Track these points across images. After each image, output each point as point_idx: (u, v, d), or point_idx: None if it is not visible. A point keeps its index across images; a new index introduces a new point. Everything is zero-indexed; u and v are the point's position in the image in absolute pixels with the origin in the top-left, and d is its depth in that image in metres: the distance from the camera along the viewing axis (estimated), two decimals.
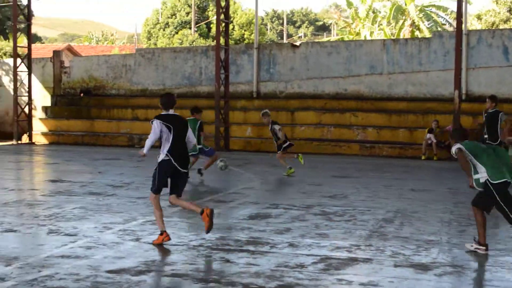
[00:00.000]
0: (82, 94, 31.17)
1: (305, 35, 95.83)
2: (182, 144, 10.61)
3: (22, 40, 39.68)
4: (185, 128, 10.79)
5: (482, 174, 9.82)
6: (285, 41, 78.42)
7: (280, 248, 9.94)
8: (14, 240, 10.45)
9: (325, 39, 67.40)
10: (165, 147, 10.40)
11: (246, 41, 60.72)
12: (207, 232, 10.23)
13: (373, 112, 26.88)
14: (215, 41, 58.09)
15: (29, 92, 29.75)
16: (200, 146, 17.51)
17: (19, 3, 30.11)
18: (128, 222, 11.73)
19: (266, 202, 14.18)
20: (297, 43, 30.84)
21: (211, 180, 18.54)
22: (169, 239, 10.13)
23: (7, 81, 31.93)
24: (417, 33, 44.87)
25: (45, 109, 30.83)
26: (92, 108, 30.33)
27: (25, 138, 29.52)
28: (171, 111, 10.88)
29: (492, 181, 9.66)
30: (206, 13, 68.91)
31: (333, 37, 65.18)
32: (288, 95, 28.68)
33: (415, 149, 25.06)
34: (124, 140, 27.95)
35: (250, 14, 66.66)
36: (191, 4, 67.18)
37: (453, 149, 9.83)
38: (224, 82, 27.23)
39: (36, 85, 30.84)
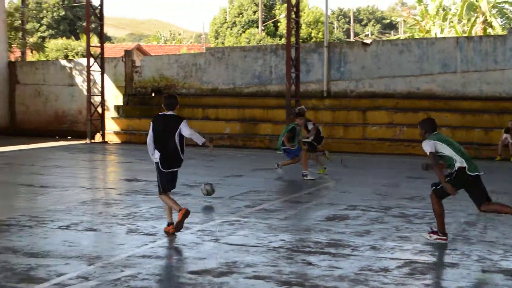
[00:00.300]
0: (153, 93, 31.31)
1: (371, 34, 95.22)
2: (167, 145, 10.83)
3: (93, 40, 40.01)
4: (170, 129, 10.84)
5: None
6: (351, 39, 78.04)
7: (362, 251, 9.71)
8: (94, 239, 10.48)
9: (392, 37, 66.66)
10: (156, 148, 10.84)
11: (313, 39, 60.45)
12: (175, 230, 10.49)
13: (447, 111, 26.38)
14: (283, 39, 58.64)
15: (102, 91, 30.01)
16: (284, 148, 17.82)
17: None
18: (206, 222, 11.68)
19: (342, 203, 13.95)
20: (368, 41, 30.47)
21: (284, 180, 18.41)
22: (174, 231, 10.47)
23: (80, 81, 32.24)
24: (489, 30, 44.00)
25: (117, 108, 31.04)
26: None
27: (98, 137, 29.78)
28: (170, 112, 11.09)
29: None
30: (273, 11, 68.84)
31: (401, 35, 64.46)
32: (359, 94, 28.38)
33: (491, 150, 24.49)
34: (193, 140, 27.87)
35: (317, 13, 66.35)
36: (258, 3, 67.15)
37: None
38: (295, 81, 27.08)
39: (108, 84, 31.08)
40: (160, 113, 11.20)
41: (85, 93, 30.83)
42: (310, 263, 8.99)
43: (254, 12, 67.91)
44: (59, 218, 11.91)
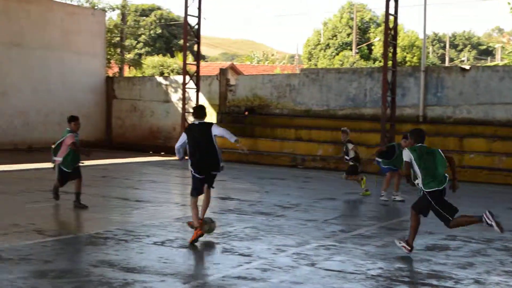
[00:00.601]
0: (246, 112, 31.32)
1: (467, 59, 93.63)
2: (201, 150, 11.39)
3: (188, 58, 40.47)
4: (203, 135, 11.40)
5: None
6: (446, 64, 76.88)
7: (466, 285, 9.31)
8: (189, 257, 10.37)
9: (489, 63, 65.40)
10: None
11: (408, 63, 59.80)
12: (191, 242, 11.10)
13: None
14: (376, 62, 58.29)
15: None
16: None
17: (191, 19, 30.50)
18: (301, 245, 11.40)
19: (441, 232, 13.47)
20: (467, 67, 29.87)
21: (378, 205, 18.06)
22: (202, 233, 11.19)
23: (175, 98, 32.48)
24: None
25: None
26: (256, 127, 30.35)
27: None
28: (201, 121, 11.65)
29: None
30: (367, 35, 68.36)
31: (498, 62, 63.18)
32: (456, 120, 27.76)
33: None
34: (287, 160, 27.83)
35: (412, 37, 65.63)
36: (352, 26, 66.79)
37: None
38: (391, 104, 26.69)
39: (203, 102, 31.25)
40: (192, 123, 12.04)
41: (180, 110, 31.09)
42: None
43: (348, 35, 67.54)
44: (154, 233, 11.90)
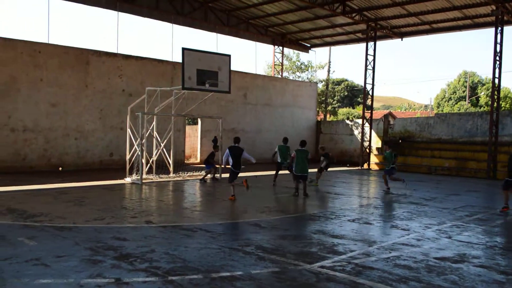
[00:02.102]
0: (400, 140, 30.03)
1: None
2: (238, 160, 13.06)
3: (361, 109, 39.67)
4: (239, 153, 13.06)
5: None
6: None
7: None
8: (371, 230, 9.87)
9: None
10: (231, 162, 13.02)
11: (503, 108, 54.87)
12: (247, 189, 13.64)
13: None
14: (482, 108, 54.29)
15: (370, 138, 29.38)
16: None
17: (367, 86, 29.85)
18: (441, 224, 10.55)
19: None
20: None
21: (488, 198, 16.46)
22: (235, 199, 12.97)
23: (356, 132, 31.88)
24: None
25: (377, 149, 30.22)
26: (406, 149, 28.96)
27: (365, 165, 29.14)
28: (237, 145, 13.20)
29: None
30: (476, 90, 63.68)
31: None
32: None
33: None
34: (425, 169, 26.26)
35: (505, 90, 60.31)
36: (466, 86, 62.79)
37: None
38: (494, 135, 24.48)
39: (373, 134, 30.36)
40: (231, 145, 13.22)
41: (359, 139, 30.43)
42: None
43: (463, 91, 63.45)
44: (348, 214, 11.51)
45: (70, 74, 21.30)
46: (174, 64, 24.85)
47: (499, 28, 23.94)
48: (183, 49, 16.87)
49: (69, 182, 16.19)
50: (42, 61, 20.46)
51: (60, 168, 20.87)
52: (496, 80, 24.54)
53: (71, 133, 21.44)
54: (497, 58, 24.21)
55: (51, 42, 21.27)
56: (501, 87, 25.96)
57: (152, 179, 17.59)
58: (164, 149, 19.23)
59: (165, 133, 19.63)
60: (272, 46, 33.46)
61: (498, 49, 24.10)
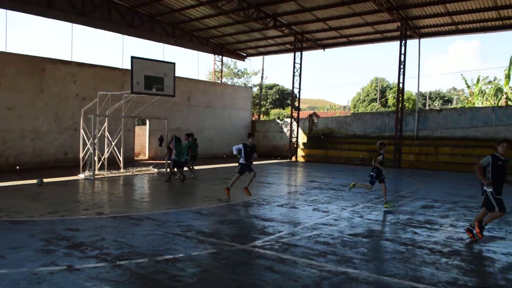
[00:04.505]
0: (322, 136, 30.76)
1: (437, 105, 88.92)
2: (251, 155, 11.82)
3: (289, 109, 40.29)
4: (252, 149, 11.80)
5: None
6: (427, 108, 73.61)
7: (445, 227, 8.66)
8: (296, 213, 10.10)
9: (451, 107, 62.11)
10: (243, 156, 11.71)
11: (406, 108, 57.42)
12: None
13: (486, 148, 23.70)
14: (390, 108, 56.69)
15: (297, 135, 29.90)
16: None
17: (295, 90, 30.32)
18: (354, 206, 10.98)
19: (429, 198, 12.72)
20: (439, 109, 28.38)
21: (393, 183, 17.24)
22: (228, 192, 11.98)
23: (285, 130, 32.38)
24: (509, 103, 39.60)
25: (303, 144, 30.81)
26: (327, 143, 29.75)
27: (293, 158, 29.63)
28: (250, 141, 11.85)
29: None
30: (385, 93, 66.29)
31: (456, 106, 59.78)
32: (435, 138, 26.19)
33: None
34: (343, 160, 27.11)
35: (408, 93, 63.23)
36: (377, 89, 65.23)
37: None
38: (399, 130, 25.61)
39: (300, 131, 30.90)
40: (246, 142, 11.92)
41: (288, 136, 30.88)
42: (416, 233, 8.13)
43: (375, 94, 65.95)
44: (277, 200, 11.70)
45: (26, 80, 20.27)
46: (124, 71, 24.22)
47: (403, 41, 25.04)
48: (132, 58, 16.56)
49: (25, 180, 15.42)
50: (0, 68, 19.34)
51: (18, 167, 19.83)
52: (401, 85, 25.68)
53: (27, 134, 20.43)
54: (402, 66, 25.33)
55: (8, 50, 20.11)
56: (405, 91, 27.17)
57: (104, 175, 17.08)
58: (115, 148, 18.75)
59: (116, 133, 19.19)
60: (212, 55, 33.29)
61: (402, 59, 25.22)
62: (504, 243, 7.55)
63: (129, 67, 17.10)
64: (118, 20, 25.10)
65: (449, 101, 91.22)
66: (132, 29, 25.80)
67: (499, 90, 41.47)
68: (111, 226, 8.26)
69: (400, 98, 26.19)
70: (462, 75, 78.69)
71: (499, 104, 39.47)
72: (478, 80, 43.70)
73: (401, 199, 12.47)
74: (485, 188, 7.48)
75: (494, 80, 44.93)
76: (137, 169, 18.91)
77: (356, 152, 27.47)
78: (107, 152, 18.57)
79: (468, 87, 43.93)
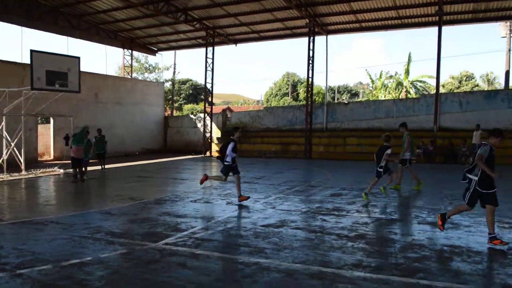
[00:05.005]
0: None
1: (345, 99, 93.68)
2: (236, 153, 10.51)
3: (206, 105, 40.21)
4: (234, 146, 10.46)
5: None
6: (336, 101, 77.31)
7: (352, 213, 9.16)
8: (210, 207, 10.08)
9: (358, 100, 65.85)
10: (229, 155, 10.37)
11: (317, 102, 59.80)
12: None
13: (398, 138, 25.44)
14: (301, 102, 58.68)
15: (210, 130, 29.90)
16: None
17: (208, 85, 30.20)
18: (267, 198, 11.21)
19: (338, 186, 13.36)
20: (347, 102, 29.96)
21: (304, 174, 17.87)
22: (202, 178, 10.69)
23: (199, 125, 32.24)
24: (409, 95, 42.85)
25: (217, 139, 30.90)
26: (240, 138, 30.12)
27: (207, 153, 29.60)
28: (235, 136, 10.66)
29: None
30: (296, 88, 68.46)
31: (362, 99, 63.44)
32: (343, 129, 27.60)
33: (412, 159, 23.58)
34: (256, 154, 27.65)
35: (318, 88, 65.82)
36: (289, 84, 67.15)
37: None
38: (309, 123, 26.60)
39: (213, 126, 30.93)
40: (233, 138, 10.74)
41: (202, 131, 30.75)
42: (325, 220, 8.50)
43: (287, 89, 67.85)
44: (191, 196, 11.60)
45: None
46: (24, 65, 22.48)
47: (312, 38, 25.97)
48: (31, 51, 15.47)
49: None
50: None
51: None
52: (310, 79, 26.64)
53: None
54: (310, 61, 26.28)
55: None
56: (314, 85, 28.22)
57: (3, 178, 15.78)
58: (15, 148, 17.37)
59: (15, 132, 17.75)
60: (122, 49, 32.10)
61: (311, 54, 26.15)
62: (403, 225, 8.16)
63: (29, 62, 15.96)
64: (16, 11, 23.25)
65: (356, 94, 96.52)
66: (32, 21, 24.04)
67: (399, 84, 44.73)
68: (10, 233, 7.66)
69: (310, 92, 27.19)
70: (366, 70, 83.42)
71: (400, 97, 42.56)
72: (381, 75, 46.82)
73: (311, 188, 12.96)
74: (472, 176, 6.71)
75: (395, 74, 48.37)
76: (40, 171, 17.71)
77: (268, 146, 28.13)
78: (6, 153, 17.18)
79: (372, 81, 46.83)
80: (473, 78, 62.46)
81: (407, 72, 44.16)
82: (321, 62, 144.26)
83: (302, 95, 63.94)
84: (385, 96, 44.40)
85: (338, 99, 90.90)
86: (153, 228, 7.91)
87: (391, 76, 48.32)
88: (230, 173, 10.53)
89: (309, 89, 27.08)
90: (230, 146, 10.37)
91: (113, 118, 29.08)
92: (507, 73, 35.20)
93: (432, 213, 9.09)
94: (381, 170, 10.89)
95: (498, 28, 36.16)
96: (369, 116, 27.15)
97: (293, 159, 25.93)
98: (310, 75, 26.55)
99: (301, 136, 27.21)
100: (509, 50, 34.61)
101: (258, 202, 10.46)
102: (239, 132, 10.82)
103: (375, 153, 11.25)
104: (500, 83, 56.27)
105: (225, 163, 10.45)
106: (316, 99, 62.27)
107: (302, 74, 74.72)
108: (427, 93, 38.49)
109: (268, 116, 30.37)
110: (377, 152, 11.15)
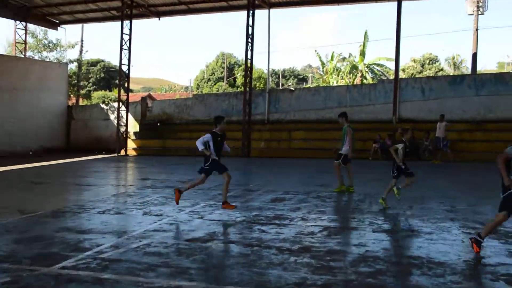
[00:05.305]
0: (159, 124, 30.77)
1: (292, 85, 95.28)
2: (221, 148, 10.62)
3: (121, 92, 39.43)
4: (222, 138, 10.58)
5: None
6: (280, 87, 78.36)
7: (296, 221, 9.26)
8: (122, 220, 9.81)
9: (305, 86, 67.14)
10: (213, 151, 10.48)
11: (257, 88, 60.44)
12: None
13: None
14: (239, 88, 58.90)
15: (126, 123, 29.32)
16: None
17: (124, 67, 29.58)
18: (194, 205, 11.08)
19: (280, 190, 13.49)
20: (293, 88, 30.58)
21: (241, 175, 17.92)
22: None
23: (112, 117, 31.59)
24: (364, 81, 44.30)
25: (135, 134, 30.40)
26: (165, 132, 29.93)
27: (122, 152, 29.01)
28: (217, 128, 10.57)
29: None
30: (233, 71, 68.74)
31: (311, 85, 64.81)
32: (287, 121, 28.12)
33: (367, 154, 24.45)
34: (184, 151, 27.52)
35: (259, 71, 66.56)
36: (224, 67, 67.29)
37: None
38: (248, 113, 26.79)
39: (130, 118, 30.37)
40: (215, 130, 10.63)
41: (116, 124, 30.08)
42: (263, 231, 8.50)
43: (221, 72, 68.04)
44: (98, 206, 11.22)
45: None
46: None
47: (251, 11, 26.06)
48: None
49: None
50: None
51: None
52: (249, 61, 26.76)
53: None
54: (250, 40, 26.38)
55: None
56: (255, 68, 28.44)
57: None
58: None
59: None
60: (13, 21, 30.58)
61: (250, 31, 26.24)
62: (355, 234, 8.33)
63: None
64: None
65: (304, 80, 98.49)
66: None
67: (354, 67, 46.16)
68: None
69: (249, 77, 27.32)
70: (316, 51, 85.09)
71: (354, 83, 43.88)
72: (332, 56, 47.97)
73: (248, 193, 12.99)
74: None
75: (349, 57, 49.78)
76: None
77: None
78: None
79: (323, 64, 48.00)
80: (437, 61, 65.70)
81: (362, 53, 45.57)
82: (263, 41, 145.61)
83: (239, 80, 64.34)
84: (337, 81, 45.62)
85: (283, 85, 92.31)
86: (48, 248, 7.53)
87: (344, 59, 49.69)
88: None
89: (248, 73, 27.19)
90: (202, 138, 10.28)
91: (1, 108, 27.80)
92: (474, 55, 37.22)
93: (388, 219, 9.36)
94: (400, 170, 10.72)
95: (465, 4, 38.08)
96: (318, 105, 27.74)
97: (229, 157, 26.00)
98: (249, 56, 26.68)
99: (238, 130, 27.32)
100: (477, 29, 36.57)
101: (183, 212, 10.31)
102: (224, 123, 10.64)
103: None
104: (467, 67, 59.62)
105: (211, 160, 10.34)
106: (257, 85, 63.02)
107: (240, 55, 75.15)
108: (385, 78, 39.97)
109: (199, 106, 30.31)
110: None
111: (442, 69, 63.61)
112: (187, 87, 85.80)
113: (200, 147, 10.29)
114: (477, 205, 10.93)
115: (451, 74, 57.87)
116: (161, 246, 7.53)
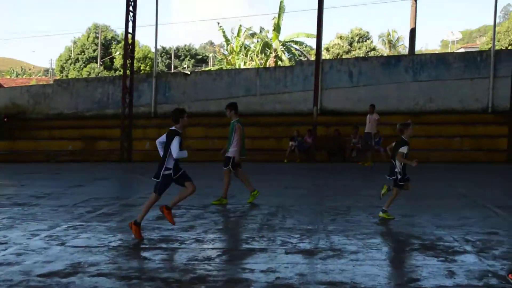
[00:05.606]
0: (6, 119, 29.74)
1: (188, 67, 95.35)
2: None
3: None
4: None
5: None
6: (172, 71, 78.09)
7: (188, 244, 9.27)
8: None
9: (204, 69, 67.39)
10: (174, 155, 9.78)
11: (142, 72, 59.95)
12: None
13: (249, 126, 26.48)
14: (117, 72, 57.95)
15: None
16: None
17: None
18: (53, 228, 10.73)
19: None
20: (188, 72, 30.67)
21: (119, 187, 17.72)
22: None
23: None
24: (280, 63, 45.20)
25: None
26: (14, 130, 28.98)
27: None
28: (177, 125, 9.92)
29: None
30: (110, 49, 67.71)
31: (211, 68, 65.20)
32: None
33: (281, 155, 24.97)
34: (41, 156, 26.78)
35: (145, 50, 65.96)
36: (98, 43, 66.07)
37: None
38: (128, 105, 26.51)
39: None
40: (175, 128, 9.88)
41: None
42: (145, 258, 8.44)
43: (94, 50, 66.80)
44: None
45: None
46: None
47: None
48: None
49: None
50: None
51: None
52: (130, 36, 26.40)
53: None
54: (131, 8, 26.02)
55: None
56: (139, 45, 28.15)
57: None
58: None
59: None
60: None
61: None
62: (264, 257, 8.46)
63: None
64: None
65: (204, 60, 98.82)
66: None
67: (267, 45, 46.92)
68: None
69: (130, 56, 27.00)
70: (219, 24, 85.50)
71: (267, 65, 44.64)
72: (239, 31, 48.34)
73: (128, 209, 12.83)
74: None
75: (261, 32, 50.50)
76: None
77: (62, 142, 27.60)
78: None
79: (228, 41, 48.37)
80: (369, 38, 68.32)
81: (277, 28, 46.44)
82: (150, 11, 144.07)
83: (118, 60, 63.39)
84: (245, 63, 46.30)
85: (176, 67, 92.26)
86: None
87: (254, 34, 50.36)
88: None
89: (129, 51, 26.86)
90: (175, 142, 9.57)
91: None
92: (413, 31, 39.07)
93: (306, 237, 9.60)
94: (401, 176, 10.90)
95: None
96: (221, 94, 27.99)
97: (103, 162, 25.57)
98: (130, 30, 26.36)
99: (116, 126, 26.98)
100: (415, 0, 38.34)
101: (37, 237, 9.98)
102: (186, 118, 10.05)
103: (391, 154, 11.32)
104: (405, 46, 62.55)
105: (165, 172, 9.88)
106: (142, 68, 62.53)
107: (119, 28, 74.10)
108: (305, 59, 41.07)
109: (62, 95, 29.65)
110: (393, 150, 11.22)
111: (374, 48, 66.32)
112: (47, 70, 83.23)
113: (184, 154, 9.84)
114: (413, 216, 11.46)
115: (385, 54, 60.62)
116: (4, 285, 7.24)
